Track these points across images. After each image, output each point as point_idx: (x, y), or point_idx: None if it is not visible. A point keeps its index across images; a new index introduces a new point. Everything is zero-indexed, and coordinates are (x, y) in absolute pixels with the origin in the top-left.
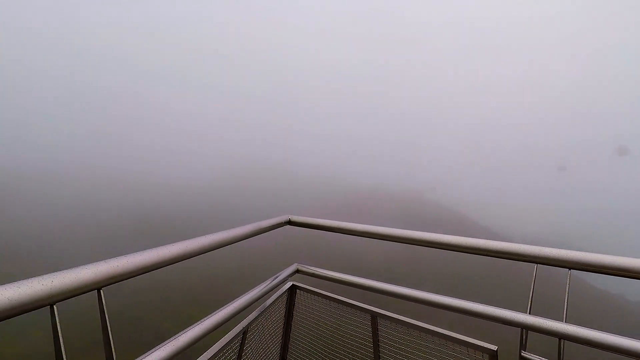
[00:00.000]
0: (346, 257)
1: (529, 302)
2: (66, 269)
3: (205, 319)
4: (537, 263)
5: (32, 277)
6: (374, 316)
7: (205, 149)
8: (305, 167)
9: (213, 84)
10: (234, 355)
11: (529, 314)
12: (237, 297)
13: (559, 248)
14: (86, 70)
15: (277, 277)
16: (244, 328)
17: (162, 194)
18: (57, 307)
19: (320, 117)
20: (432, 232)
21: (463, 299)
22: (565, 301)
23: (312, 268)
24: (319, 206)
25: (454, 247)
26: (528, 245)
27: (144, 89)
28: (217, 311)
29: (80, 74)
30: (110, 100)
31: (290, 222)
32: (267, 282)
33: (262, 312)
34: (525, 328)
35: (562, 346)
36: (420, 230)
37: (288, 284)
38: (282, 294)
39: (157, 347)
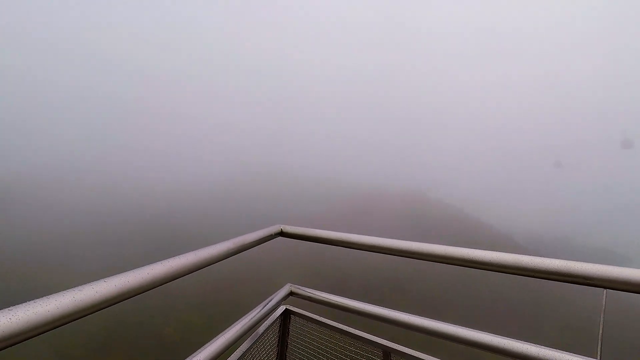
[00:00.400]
0: (353, 263)
1: (599, 341)
2: None
3: None
4: (606, 288)
5: None
6: (387, 352)
7: (202, 153)
8: (306, 168)
9: (217, 88)
10: None
11: (600, 359)
12: (222, 332)
13: (562, 244)
14: (91, 74)
15: (268, 303)
16: None
17: (160, 198)
18: None
19: (321, 119)
20: (439, 231)
21: (506, 337)
22: None
23: (308, 290)
24: (317, 209)
25: (491, 266)
26: (593, 264)
27: (147, 92)
28: (197, 352)
29: (85, 78)
30: (113, 104)
31: (282, 234)
32: (257, 309)
33: (250, 347)
34: None
35: None
36: (438, 242)
37: (281, 309)
38: (274, 321)
39: None
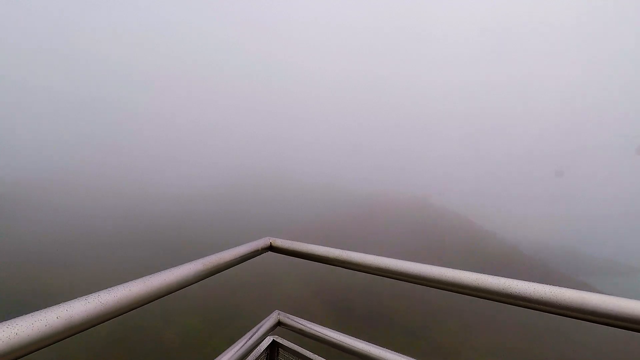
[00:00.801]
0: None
1: None
2: None
3: None
4: None
5: None
6: None
7: (193, 156)
8: (300, 173)
9: (214, 93)
10: None
11: None
12: None
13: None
14: (94, 81)
15: (255, 333)
16: None
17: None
18: None
19: (322, 125)
20: (442, 238)
21: None
22: None
23: (298, 320)
24: (312, 217)
25: (547, 306)
26: None
27: (143, 98)
28: None
29: (89, 85)
30: (110, 108)
31: (271, 248)
32: (243, 340)
33: None
34: None
35: None
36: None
37: (267, 341)
38: (259, 355)
39: None
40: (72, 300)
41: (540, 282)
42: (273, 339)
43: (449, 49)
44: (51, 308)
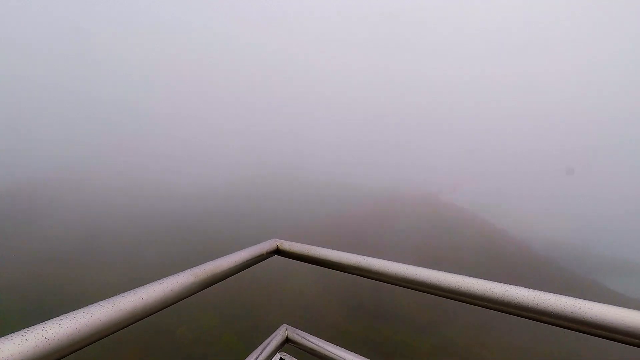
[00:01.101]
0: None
1: None
2: None
3: None
4: None
5: None
6: None
7: (206, 156)
8: (311, 171)
9: (217, 91)
10: None
11: None
12: None
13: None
14: (99, 81)
15: (262, 351)
16: None
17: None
18: None
19: (333, 123)
20: (451, 234)
21: None
22: None
23: (308, 337)
24: (318, 217)
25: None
26: None
27: (145, 97)
28: None
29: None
30: (114, 108)
31: (278, 252)
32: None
33: None
34: None
35: None
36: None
37: (275, 358)
38: None
39: None
40: (3, 338)
41: (552, 283)
42: (281, 357)
43: (461, 47)
44: None
